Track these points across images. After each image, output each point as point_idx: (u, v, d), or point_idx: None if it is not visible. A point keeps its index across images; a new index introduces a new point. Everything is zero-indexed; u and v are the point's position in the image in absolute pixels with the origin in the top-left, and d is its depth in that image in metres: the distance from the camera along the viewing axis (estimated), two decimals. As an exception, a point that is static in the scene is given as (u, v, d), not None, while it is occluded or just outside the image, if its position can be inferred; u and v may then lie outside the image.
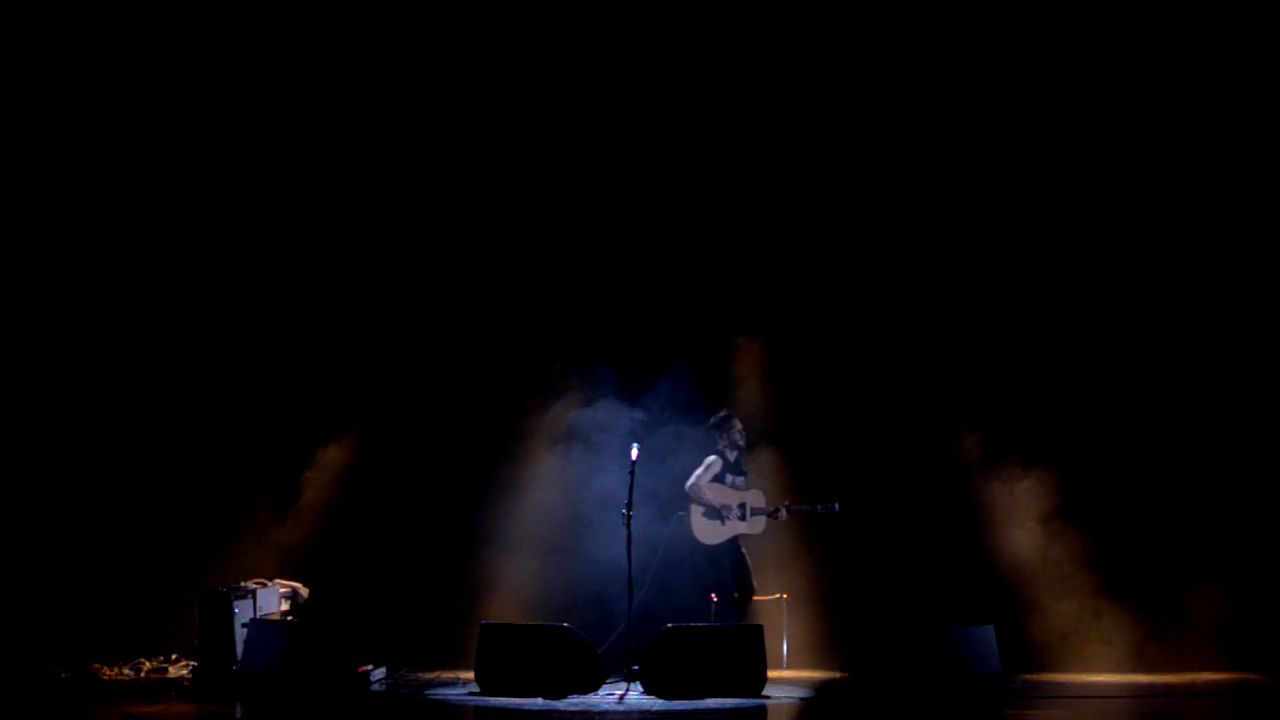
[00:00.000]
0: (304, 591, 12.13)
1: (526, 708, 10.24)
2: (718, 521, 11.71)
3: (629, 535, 10.96)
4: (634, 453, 11.26)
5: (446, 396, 13.10)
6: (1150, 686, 11.40)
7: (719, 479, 11.76)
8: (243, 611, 11.47)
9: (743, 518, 11.71)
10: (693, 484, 11.73)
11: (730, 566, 11.70)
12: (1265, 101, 12.48)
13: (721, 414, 11.94)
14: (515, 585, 12.76)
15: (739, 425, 11.89)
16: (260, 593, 11.77)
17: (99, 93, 12.99)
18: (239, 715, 10.18)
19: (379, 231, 13.22)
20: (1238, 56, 12.44)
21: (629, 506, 11.00)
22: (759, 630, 10.82)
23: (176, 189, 13.14)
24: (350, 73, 13.04)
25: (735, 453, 11.85)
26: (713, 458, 11.81)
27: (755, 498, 11.78)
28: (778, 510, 11.72)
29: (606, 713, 10.13)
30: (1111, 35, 12.56)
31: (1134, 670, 12.02)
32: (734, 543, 11.75)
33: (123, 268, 13.09)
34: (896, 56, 12.81)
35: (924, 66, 12.78)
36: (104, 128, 13.05)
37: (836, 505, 11.68)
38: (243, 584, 11.76)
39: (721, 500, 11.72)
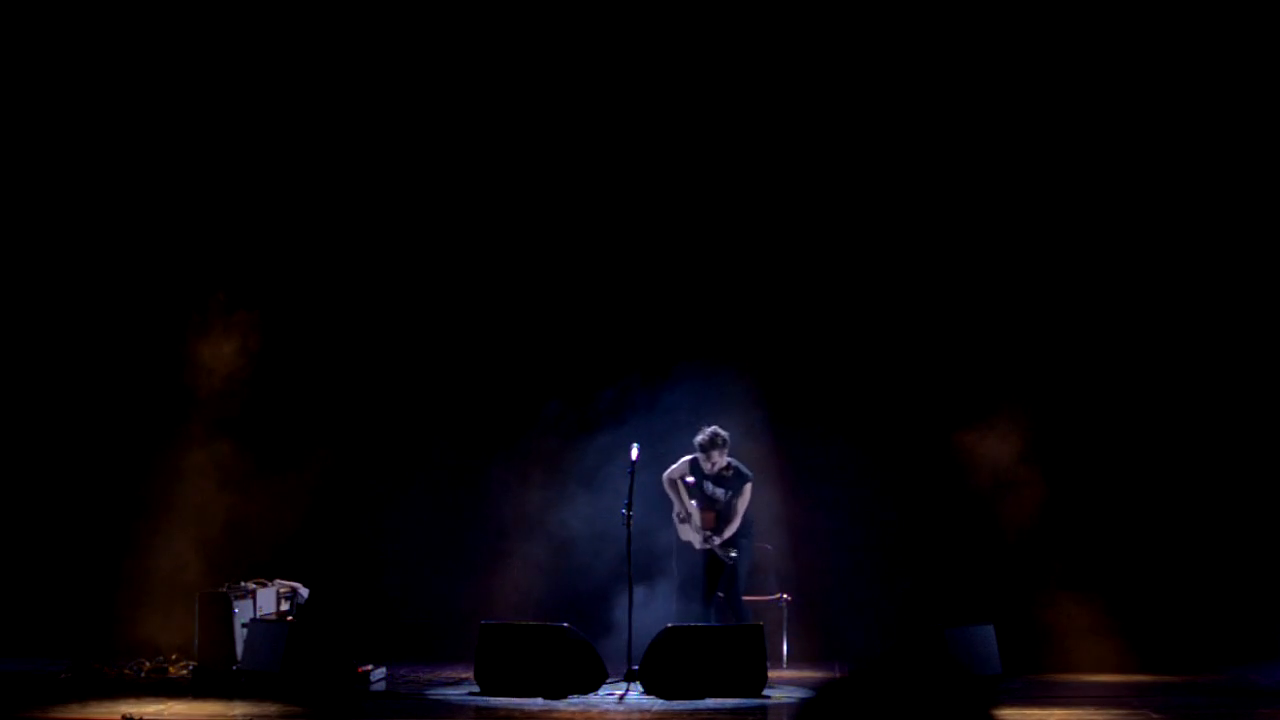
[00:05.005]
0: (304, 591, 12.12)
1: (526, 707, 10.24)
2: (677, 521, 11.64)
3: (629, 535, 10.94)
4: (634, 453, 11.22)
5: (447, 394, 13.09)
6: (1152, 686, 11.39)
7: (696, 481, 11.57)
8: (243, 611, 11.46)
9: (688, 526, 11.54)
10: (665, 474, 11.59)
11: (689, 565, 11.56)
12: (1264, 94, 12.47)
13: (701, 437, 11.49)
14: (515, 585, 12.77)
15: (703, 454, 11.40)
16: (260, 593, 11.76)
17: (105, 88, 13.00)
18: (239, 715, 10.17)
19: (387, 232, 13.22)
20: (1239, 54, 12.43)
21: (629, 506, 10.98)
22: (759, 630, 10.81)
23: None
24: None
25: (712, 463, 11.48)
26: (688, 456, 11.60)
27: (696, 514, 11.50)
28: (709, 537, 11.40)
29: (606, 713, 10.13)
30: (1110, 31, 12.54)
31: (1135, 670, 12.02)
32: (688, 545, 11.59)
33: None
34: (895, 62, 12.78)
35: (918, 80, 12.75)
36: (105, 124, 13.06)
37: (734, 555, 11.34)
38: (243, 584, 11.75)
39: (680, 503, 11.60)
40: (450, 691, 11.06)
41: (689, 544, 11.54)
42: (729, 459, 11.51)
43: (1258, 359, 12.57)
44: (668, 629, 10.79)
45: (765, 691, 10.57)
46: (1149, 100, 12.49)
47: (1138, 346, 12.62)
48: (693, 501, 11.51)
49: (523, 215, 13.07)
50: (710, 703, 10.38)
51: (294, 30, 12.98)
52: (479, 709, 10.35)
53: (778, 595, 12.17)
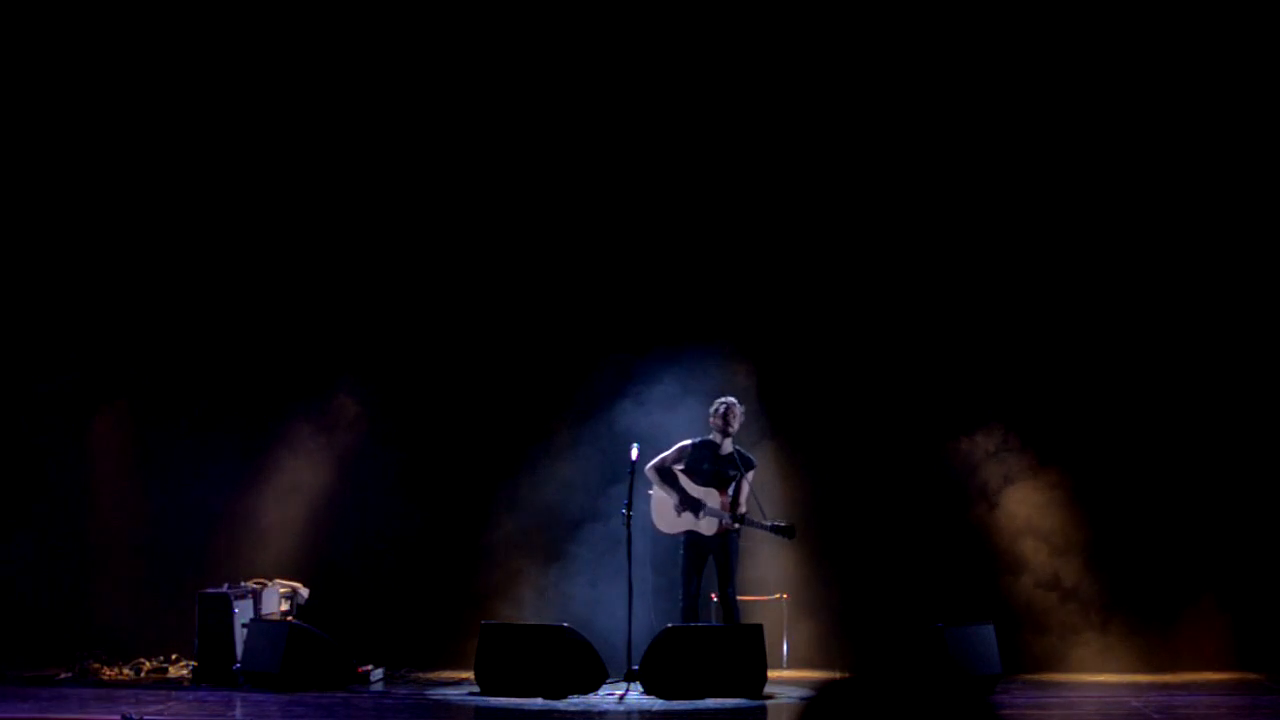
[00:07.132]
0: (304, 591, 12.13)
1: (526, 708, 10.24)
2: (673, 512, 11.39)
3: (629, 535, 10.92)
4: (634, 452, 11.19)
5: (445, 394, 13.09)
6: (1150, 686, 11.40)
7: (691, 466, 11.39)
8: (243, 611, 11.46)
9: (695, 513, 11.26)
10: (652, 465, 11.38)
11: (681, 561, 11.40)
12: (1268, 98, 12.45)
13: (719, 403, 11.39)
14: (516, 585, 12.76)
15: (719, 414, 11.32)
16: (260, 593, 11.77)
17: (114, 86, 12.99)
18: (239, 715, 10.18)
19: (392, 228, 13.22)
20: (1240, 53, 12.42)
21: (629, 506, 10.95)
22: (759, 630, 10.81)
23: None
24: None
25: (723, 441, 11.36)
26: (686, 441, 11.48)
27: (711, 497, 11.29)
28: (734, 518, 11.14)
29: (606, 713, 10.13)
30: (1113, 30, 12.52)
31: (1134, 670, 12.02)
32: (686, 536, 11.31)
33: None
34: (886, 49, 12.73)
35: (913, 61, 12.70)
36: (110, 122, 13.06)
37: (791, 530, 11.17)
38: (243, 584, 11.76)
39: (680, 491, 11.35)
40: (450, 691, 11.07)
41: (685, 534, 11.34)
42: (734, 446, 11.42)
43: (1265, 353, 12.56)
44: (668, 629, 10.79)
45: (765, 691, 10.58)
46: (1144, 103, 12.46)
47: (1135, 348, 12.60)
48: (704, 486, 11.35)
49: (513, 215, 13.06)
50: (710, 703, 10.38)
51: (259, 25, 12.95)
52: (479, 709, 10.36)
53: (778, 595, 12.17)
